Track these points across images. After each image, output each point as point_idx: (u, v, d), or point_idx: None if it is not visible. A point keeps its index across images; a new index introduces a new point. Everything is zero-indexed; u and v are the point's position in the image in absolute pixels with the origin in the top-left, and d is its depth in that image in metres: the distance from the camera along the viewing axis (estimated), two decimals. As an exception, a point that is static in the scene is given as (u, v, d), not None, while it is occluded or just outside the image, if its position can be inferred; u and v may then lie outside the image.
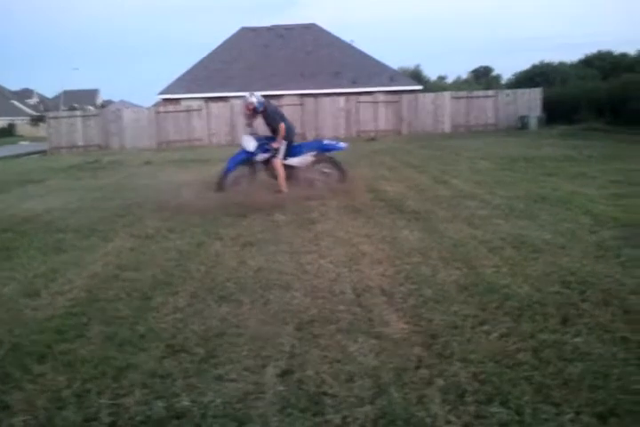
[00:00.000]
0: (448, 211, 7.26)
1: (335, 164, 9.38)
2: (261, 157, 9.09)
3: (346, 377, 2.95)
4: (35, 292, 4.60)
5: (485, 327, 3.49)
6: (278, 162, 8.99)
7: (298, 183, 9.13)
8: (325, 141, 9.82)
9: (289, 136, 9.11)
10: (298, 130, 26.87)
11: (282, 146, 9.01)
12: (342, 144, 9.52)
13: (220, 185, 9.00)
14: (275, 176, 9.07)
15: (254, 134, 9.23)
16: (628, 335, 3.27)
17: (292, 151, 9.19)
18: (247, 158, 9.15)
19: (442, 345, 3.27)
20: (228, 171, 9.12)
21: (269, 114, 9.11)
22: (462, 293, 4.13)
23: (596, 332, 3.35)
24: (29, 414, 2.72)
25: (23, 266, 5.42)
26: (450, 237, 5.81)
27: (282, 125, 8.90)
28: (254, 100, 9.01)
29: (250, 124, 9.34)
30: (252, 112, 9.13)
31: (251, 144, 9.04)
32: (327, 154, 9.40)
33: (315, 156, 9.26)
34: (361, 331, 3.54)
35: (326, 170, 9.34)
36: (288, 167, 9.13)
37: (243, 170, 9.21)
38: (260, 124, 9.36)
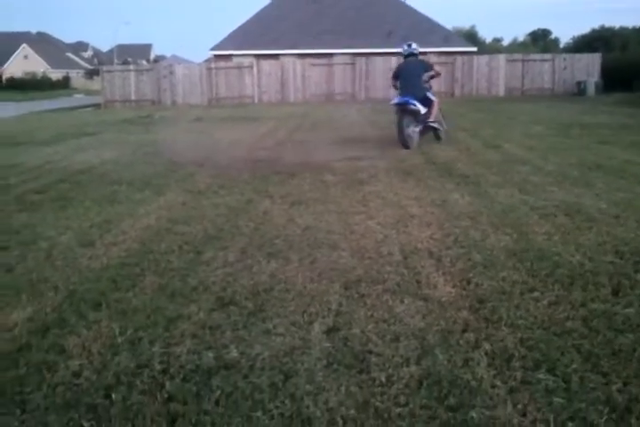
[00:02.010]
0: (499, 176, 7.14)
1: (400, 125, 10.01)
2: None
3: (391, 337, 2.97)
4: (90, 242, 4.73)
5: (535, 294, 3.45)
6: None
7: None
8: None
9: None
10: (349, 89, 26.94)
11: None
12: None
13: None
14: None
15: None
16: (682, 308, 3.20)
17: None
18: None
19: (489, 310, 3.25)
20: None
21: None
22: (512, 259, 4.08)
23: (648, 303, 3.28)
24: (85, 358, 2.82)
25: (78, 216, 5.57)
26: (500, 203, 5.73)
27: None
28: None
29: None
30: None
31: None
32: None
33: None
34: (408, 292, 3.54)
35: None
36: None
37: None
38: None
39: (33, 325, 3.18)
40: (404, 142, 9.75)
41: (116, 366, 2.73)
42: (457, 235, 4.68)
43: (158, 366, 2.72)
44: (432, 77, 10.59)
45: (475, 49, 31.35)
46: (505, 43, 64.99)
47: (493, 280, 3.69)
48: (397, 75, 10.61)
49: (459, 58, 27.24)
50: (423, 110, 9.88)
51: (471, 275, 3.80)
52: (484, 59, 27.73)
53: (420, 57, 11.06)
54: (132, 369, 2.70)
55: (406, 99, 9.84)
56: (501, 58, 27.85)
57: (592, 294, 3.44)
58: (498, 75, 27.15)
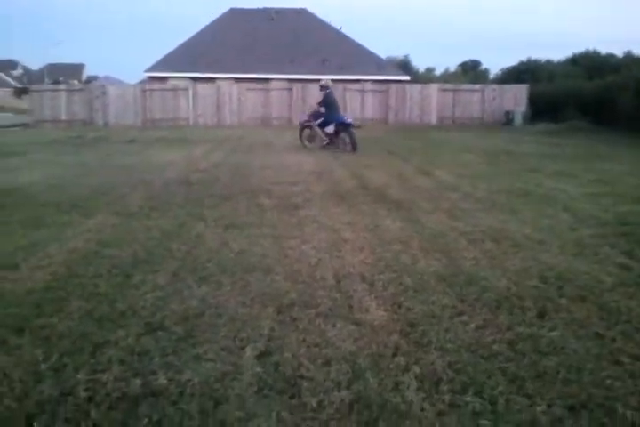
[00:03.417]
0: (430, 202, 7.29)
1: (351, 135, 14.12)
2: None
3: (323, 361, 2.97)
4: (13, 265, 4.55)
5: (463, 318, 3.52)
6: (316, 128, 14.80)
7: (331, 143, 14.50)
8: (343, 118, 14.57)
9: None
10: (286, 114, 27.13)
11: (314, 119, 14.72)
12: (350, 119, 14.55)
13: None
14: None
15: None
16: (602, 332, 3.32)
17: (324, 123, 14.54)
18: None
19: (420, 334, 3.30)
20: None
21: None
22: (441, 283, 4.16)
23: (571, 327, 3.39)
24: (5, 386, 2.70)
25: (2, 239, 5.37)
26: (431, 228, 5.84)
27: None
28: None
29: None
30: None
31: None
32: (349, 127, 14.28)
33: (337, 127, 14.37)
34: (340, 316, 3.56)
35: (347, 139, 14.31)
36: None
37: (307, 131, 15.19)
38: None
39: (-51, 352, 3.03)
40: (356, 146, 13.91)
41: (39, 394, 2.64)
42: (389, 259, 4.74)
43: (83, 394, 2.64)
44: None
45: (408, 78, 32.07)
46: (437, 72, 66.70)
47: (424, 304, 3.74)
48: (327, 102, 14.48)
49: (392, 86, 27.84)
50: None
51: (402, 299, 3.84)
52: (416, 88, 28.42)
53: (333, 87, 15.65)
54: (56, 397, 2.61)
55: (350, 119, 14.53)
56: (434, 87, 28.58)
57: (518, 317, 3.54)
58: (430, 103, 27.87)
